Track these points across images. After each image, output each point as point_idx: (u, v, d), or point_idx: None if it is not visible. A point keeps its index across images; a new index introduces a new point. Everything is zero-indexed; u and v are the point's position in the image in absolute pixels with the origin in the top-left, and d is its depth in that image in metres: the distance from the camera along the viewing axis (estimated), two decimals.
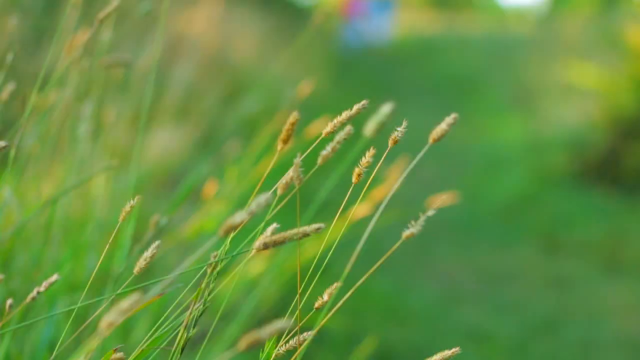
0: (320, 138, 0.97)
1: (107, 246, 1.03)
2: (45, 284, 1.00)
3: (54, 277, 1.00)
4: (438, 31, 19.57)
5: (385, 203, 0.89)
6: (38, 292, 1.01)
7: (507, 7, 27.34)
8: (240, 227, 0.79)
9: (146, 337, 0.99)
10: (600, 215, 5.30)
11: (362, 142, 0.93)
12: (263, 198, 0.78)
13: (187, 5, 5.47)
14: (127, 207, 0.99)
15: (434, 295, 3.83)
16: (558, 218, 5.25)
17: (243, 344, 0.73)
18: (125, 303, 0.69)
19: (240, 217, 0.77)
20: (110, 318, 0.69)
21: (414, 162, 0.90)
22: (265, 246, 0.91)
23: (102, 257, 1.02)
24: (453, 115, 0.88)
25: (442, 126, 0.89)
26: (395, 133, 0.95)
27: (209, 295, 0.98)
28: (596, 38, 8.13)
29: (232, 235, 1.00)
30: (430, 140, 0.89)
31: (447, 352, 0.96)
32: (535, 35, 12.32)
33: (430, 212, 0.89)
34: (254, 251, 0.92)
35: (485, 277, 4.15)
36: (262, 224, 0.97)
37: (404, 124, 0.94)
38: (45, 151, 1.91)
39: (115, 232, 1.07)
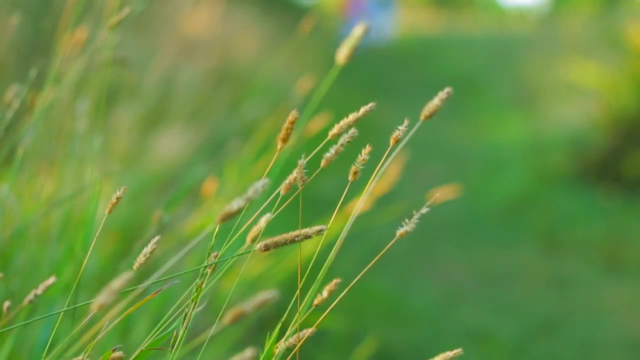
0: (326, 140, 0.96)
1: (94, 241, 1.02)
2: (42, 286, 0.99)
3: (51, 280, 0.99)
4: (439, 31, 19.57)
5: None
6: (35, 295, 1.00)
7: (507, 7, 27.33)
8: (237, 214, 0.77)
9: (147, 339, 0.98)
10: (601, 215, 5.29)
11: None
12: (260, 184, 0.77)
13: (186, 6, 5.46)
14: (114, 199, 0.98)
15: (434, 295, 3.82)
16: (559, 218, 5.24)
17: (228, 318, 0.72)
18: (115, 283, 0.68)
19: (237, 204, 0.76)
20: (101, 299, 0.68)
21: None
22: (267, 247, 0.91)
23: (88, 255, 1.01)
24: (447, 90, 0.86)
25: (435, 102, 0.87)
26: (397, 132, 0.95)
27: (206, 289, 0.97)
28: (597, 38, 8.13)
29: (230, 233, 1.00)
30: (422, 117, 0.88)
31: (449, 353, 0.95)
32: (536, 34, 12.31)
33: (424, 210, 0.89)
34: (254, 250, 0.92)
35: (485, 277, 4.15)
36: (257, 214, 0.96)
37: (405, 122, 0.93)
38: (44, 150, 1.91)
39: (99, 230, 1.06)
